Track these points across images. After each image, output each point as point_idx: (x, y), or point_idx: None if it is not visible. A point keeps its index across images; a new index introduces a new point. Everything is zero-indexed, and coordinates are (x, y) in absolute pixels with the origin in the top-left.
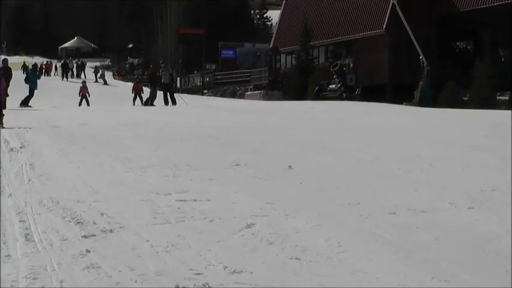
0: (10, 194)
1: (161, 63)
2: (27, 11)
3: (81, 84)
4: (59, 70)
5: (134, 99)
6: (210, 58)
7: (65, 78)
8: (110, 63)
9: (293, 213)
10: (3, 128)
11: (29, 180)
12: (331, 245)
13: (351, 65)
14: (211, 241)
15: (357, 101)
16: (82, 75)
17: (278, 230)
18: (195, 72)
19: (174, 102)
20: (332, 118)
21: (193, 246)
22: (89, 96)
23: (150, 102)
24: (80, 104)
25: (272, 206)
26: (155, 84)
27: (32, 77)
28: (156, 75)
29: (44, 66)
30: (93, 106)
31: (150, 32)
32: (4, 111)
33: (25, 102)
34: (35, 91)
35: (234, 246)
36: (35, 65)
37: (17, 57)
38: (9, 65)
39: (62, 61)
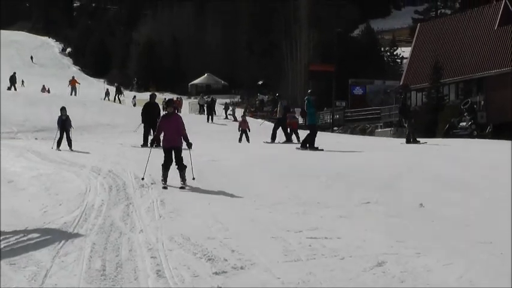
0: (141, 230)
1: (277, 95)
2: (157, 47)
3: (240, 119)
4: (195, 109)
5: (290, 136)
6: (340, 95)
7: (210, 120)
8: (239, 100)
9: (424, 251)
10: (164, 187)
11: (160, 217)
12: (462, 284)
13: (482, 102)
14: (343, 279)
15: (488, 138)
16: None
17: (409, 268)
18: (325, 109)
19: (287, 139)
20: (463, 156)
21: (324, 283)
22: (249, 131)
23: (412, 139)
24: (240, 139)
25: (403, 244)
26: (409, 117)
27: (311, 110)
28: (407, 106)
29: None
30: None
31: (280, 68)
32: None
33: (309, 143)
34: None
35: (365, 284)
36: (311, 93)
37: (147, 93)
38: (155, 101)
39: (205, 100)
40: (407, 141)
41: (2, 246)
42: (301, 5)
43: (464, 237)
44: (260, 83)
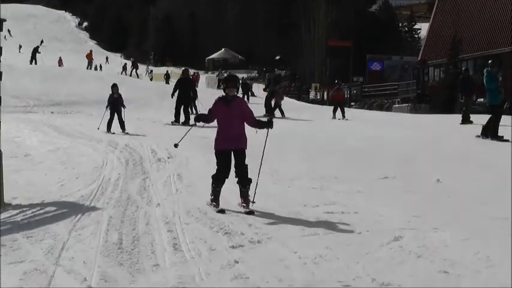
0: (158, 204)
1: (263, 70)
2: (174, 22)
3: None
4: (212, 83)
5: (334, 111)
6: (358, 70)
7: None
8: (256, 75)
9: (441, 226)
10: (219, 210)
11: (177, 191)
12: (480, 259)
13: (500, 78)
14: (359, 253)
15: (506, 115)
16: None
17: (426, 243)
18: (342, 84)
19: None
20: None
21: (341, 258)
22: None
23: (463, 118)
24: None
25: (420, 219)
26: (469, 94)
27: (492, 85)
28: (470, 80)
29: (191, 77)
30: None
31: (297, 44)
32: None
33: (491, 131)
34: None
35: (382, 258)
36: (492, 64)
37: (163, 68)
38: (189, 76)
39: (223, 75)
40: (464, 121)
41: (19, 219)
42: None
43: (481, 213)
44: (277, 58)
